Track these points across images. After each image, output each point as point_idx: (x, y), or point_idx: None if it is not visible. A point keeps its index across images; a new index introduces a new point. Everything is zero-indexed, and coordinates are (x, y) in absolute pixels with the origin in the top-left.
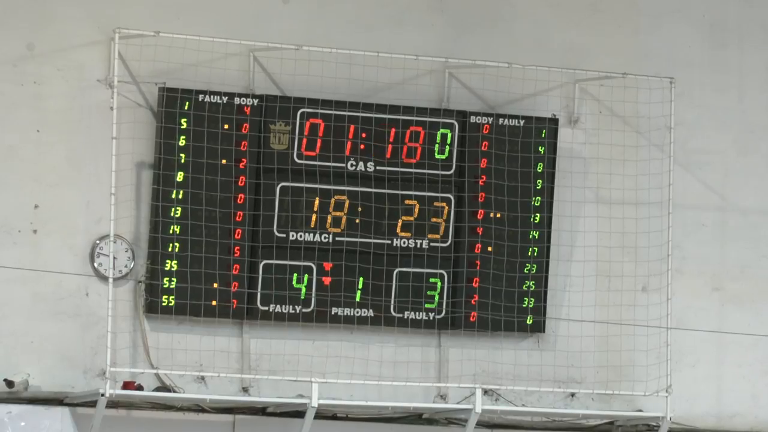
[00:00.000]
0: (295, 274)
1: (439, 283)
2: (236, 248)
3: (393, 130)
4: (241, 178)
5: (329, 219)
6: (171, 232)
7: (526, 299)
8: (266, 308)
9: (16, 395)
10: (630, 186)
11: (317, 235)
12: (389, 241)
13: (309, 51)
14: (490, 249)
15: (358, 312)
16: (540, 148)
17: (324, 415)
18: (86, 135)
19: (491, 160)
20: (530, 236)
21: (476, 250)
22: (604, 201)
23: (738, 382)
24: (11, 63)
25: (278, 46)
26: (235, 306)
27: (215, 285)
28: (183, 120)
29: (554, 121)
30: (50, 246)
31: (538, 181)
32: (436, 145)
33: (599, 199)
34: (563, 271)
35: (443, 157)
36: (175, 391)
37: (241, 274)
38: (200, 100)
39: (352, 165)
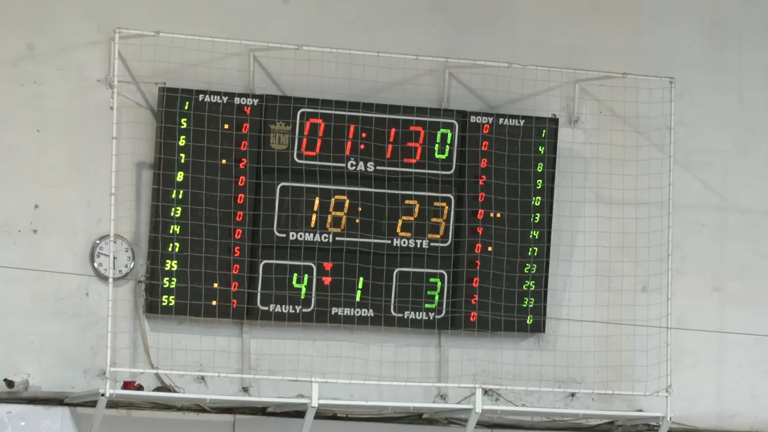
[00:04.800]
0: (295, 274)
1: (439, 283)
2: (236, 248)
3: (393, 130)
4: (241, 178)
5: (329, 219)
6: (171, 232)
7: (526, 299)
8: (266, 308)
9: (16, 395)
10: (630, 186)
11: (317, 235)
12: (389, 241)
13: (309, 51)
14: (490, 249)
15: (358, 312)
16: (540, 148)
17: (324, 415)
18: (86, 135)
19: (491, 160)
20: (530, 236)
21: (476, 250)
22: (604, 201)
23: (738, 382)
24: (11, 63)
25: (278, 46)
26: (235, 306)
27: (215, 285)
28: (183, 120)
29: (554, 121)
30: (50, 246)
31: (538, 181)
32: (436, 145)
33: (599, 199)
34: (563, 271)
35: (443, 157)
36: (175, 391)
37: (241, 274)
38: (200, 100)
39: (352, 165)
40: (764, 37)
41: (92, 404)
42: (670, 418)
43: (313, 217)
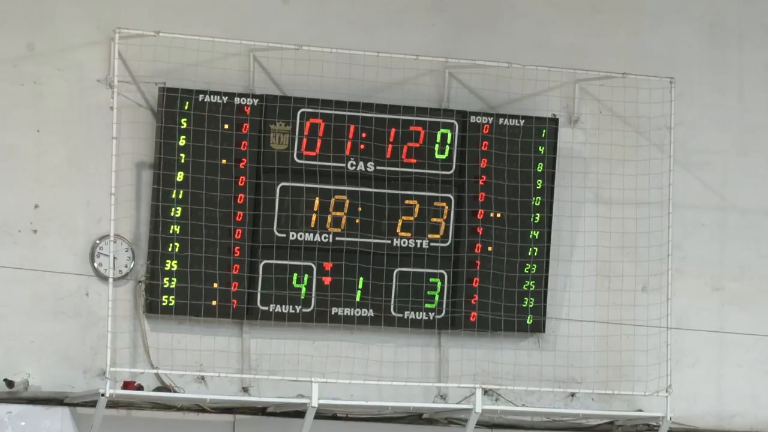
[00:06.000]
0: (295, 274)
1: (439, 283)
2: (236, 248)
3: (393, 130)
4: (241, 178)
5: (329, 219)
6: (171, 232)
7: (526, 299)
8: (266, 308)
9: (16, 395)
10: (630, 186)
11: (317, 235)
12: (389, 241)
13: (309, 51)
14: (490, 249)
15: (358, 312)
16: (540, 148)
17: (324, 415)
18: (86, 135)
19: (491, 160)
20: (530, 236)
21: (476, 250)
22: (604, 201)
23: (738, 382)
24: (11, 63)
25: (278, 46)
26: (235, 306)
27: (215, 285)
28: (183, 120)
29: (554, 121)
30: (50, 246)
31: (538, 181)
32: (436, 145)
33: (599, 199)
34: (563, 271)
35: (443, 157)
36: (175, 391)
37: (241, 274)
38: (200, 100)
39: (352, 165)
40: (764, 37)
41: (92, 404)
42: (670, 418)
43: (313, 217)
